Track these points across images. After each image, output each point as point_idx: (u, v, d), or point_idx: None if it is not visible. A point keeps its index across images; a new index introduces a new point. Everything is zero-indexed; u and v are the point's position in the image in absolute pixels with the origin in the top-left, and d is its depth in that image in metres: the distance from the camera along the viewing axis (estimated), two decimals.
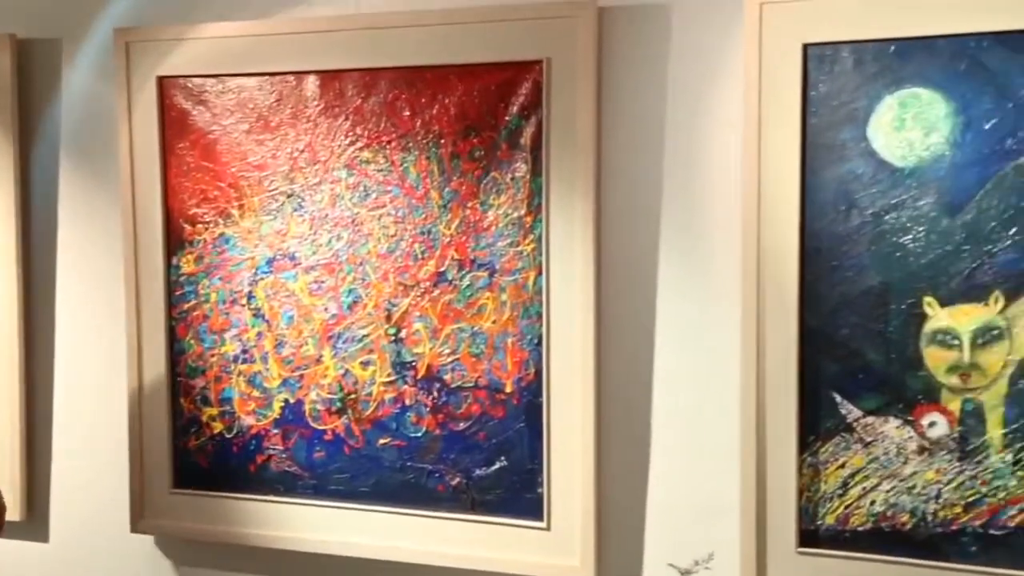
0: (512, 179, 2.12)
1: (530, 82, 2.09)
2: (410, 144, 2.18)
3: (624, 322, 2.13)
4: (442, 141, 2.16)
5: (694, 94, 2.06)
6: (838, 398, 1.96)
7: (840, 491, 1.97)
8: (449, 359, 2.19)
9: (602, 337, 2.11)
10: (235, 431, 2.38)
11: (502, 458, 2.17)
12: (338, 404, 2.29)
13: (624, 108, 2.10)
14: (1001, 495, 1.87)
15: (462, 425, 2.20)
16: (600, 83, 2.07)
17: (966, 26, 1.84)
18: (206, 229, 2.37)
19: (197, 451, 2.42)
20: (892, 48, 1.89)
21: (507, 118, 2.11)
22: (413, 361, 2.22)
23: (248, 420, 2.37)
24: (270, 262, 2.32)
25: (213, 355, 2.39)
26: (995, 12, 1.82)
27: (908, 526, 1.93)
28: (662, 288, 2.11)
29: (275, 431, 2.34)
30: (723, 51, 2.04)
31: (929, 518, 1.92)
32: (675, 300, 2.10)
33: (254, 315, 2.34)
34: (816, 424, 1.98)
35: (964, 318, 1.88)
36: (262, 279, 2.33)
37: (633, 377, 2.13)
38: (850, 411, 1.95)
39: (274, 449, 2.35)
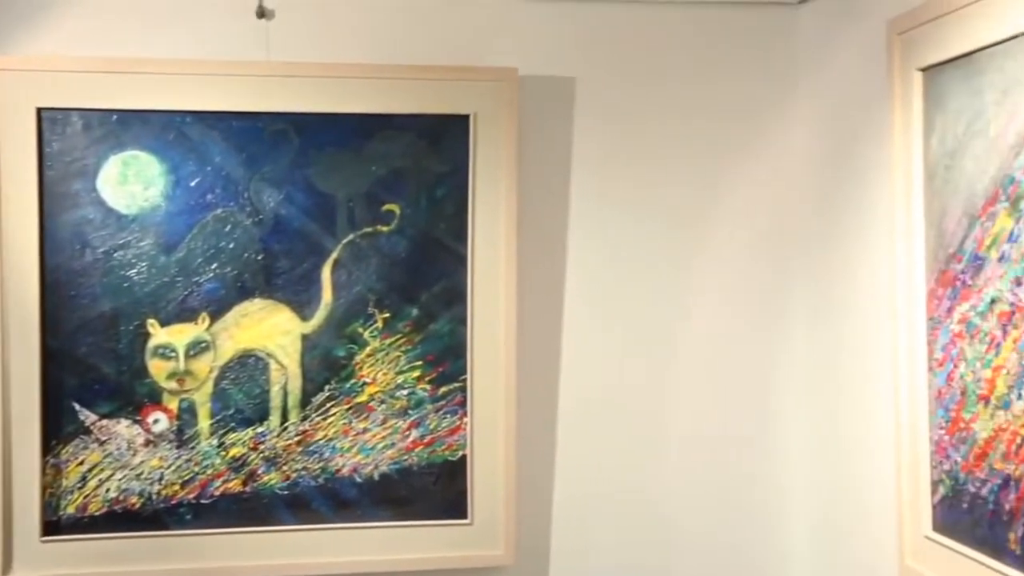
0: None
1: None
2: None
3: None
4: None
5: None
6: (77, 407, 2.27)
7: (80, 484, 2.27)
8: None
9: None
10: None
11: None
12: None
13: None
14: (209, 472, 2.32)
15: None
16: None
17: (172, 105, 2.28)
18: None
19: None
20: (115, 117, 2.27)
21: None
22: None
23: None
24: None
25: None
26: (193, 96, 2.28)
27: (138, 506, 2.30)
28: None
29: None
30: None
31: (155, 497, 2.30)
32: None
33: None
34: (58, 430, 2.26)
35: (179, 335, 2.30)
36: None
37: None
38: (88, 416, 2.27)
39: None
